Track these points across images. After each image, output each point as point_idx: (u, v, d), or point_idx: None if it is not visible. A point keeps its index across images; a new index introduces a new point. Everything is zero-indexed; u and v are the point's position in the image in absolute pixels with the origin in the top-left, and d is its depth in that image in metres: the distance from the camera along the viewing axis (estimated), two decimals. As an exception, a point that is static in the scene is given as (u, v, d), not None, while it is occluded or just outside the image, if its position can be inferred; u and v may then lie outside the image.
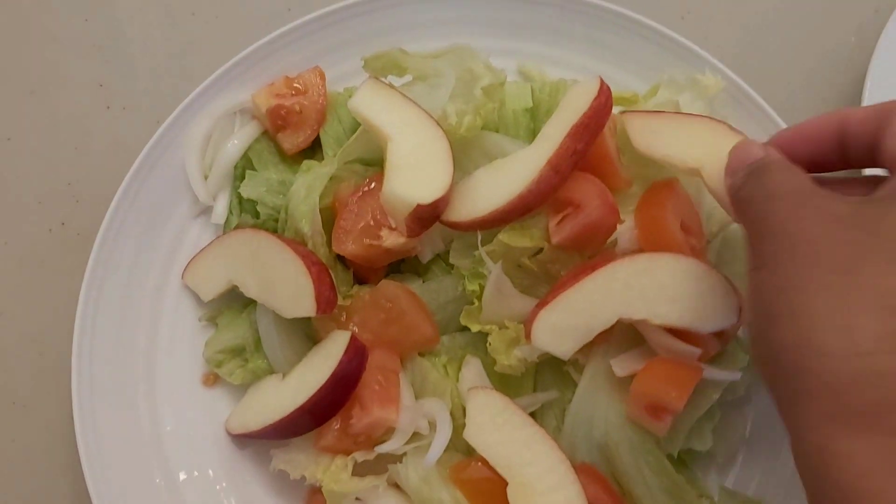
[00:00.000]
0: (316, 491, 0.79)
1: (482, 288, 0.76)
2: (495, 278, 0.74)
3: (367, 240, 0.78)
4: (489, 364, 0.77)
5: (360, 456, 0.75)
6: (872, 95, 0.87)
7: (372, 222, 0.78)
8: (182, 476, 0.81)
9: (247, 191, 0.85)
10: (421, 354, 0.80)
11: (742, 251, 0.82)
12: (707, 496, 0.74)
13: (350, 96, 0.82)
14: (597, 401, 0.75)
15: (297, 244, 0.79)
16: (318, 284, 0.74)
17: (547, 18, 0.92)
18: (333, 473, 0.74)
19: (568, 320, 0.71)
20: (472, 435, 0.73)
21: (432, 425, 0.75)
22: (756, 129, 0.87)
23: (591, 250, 0.77)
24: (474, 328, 0.76)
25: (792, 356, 0.47)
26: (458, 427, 0.75)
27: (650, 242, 0.76)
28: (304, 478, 0.75)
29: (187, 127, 0.87)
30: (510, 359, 0.74)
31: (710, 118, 0.77)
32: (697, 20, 1.03)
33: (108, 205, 0.82)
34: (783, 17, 1.04)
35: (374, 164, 0.84)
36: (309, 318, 0.79)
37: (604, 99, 0.75)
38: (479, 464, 0.73)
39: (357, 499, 0.74)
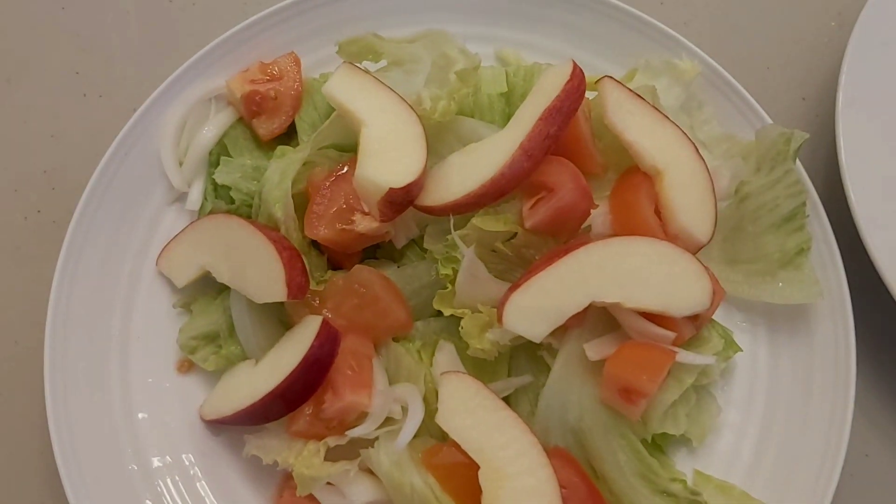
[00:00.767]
0: (289, 476, 0.78)
1: (455, 272, 0.75)
2: (468, 262, 0.74)
3: (340, 224, 0.77)
4: (463, 349, 0.77)
5: (332, 441, 0.74)
6: (849, 80, 0.87)
7: (345, 207, 0.78)
8: (156, 462, 0.80)
9: (221, 177, 0.84)
10: (395, 340, 0.80)
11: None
12: (680, 479, 0.74)
13: (326, 82, 0.81)
14: (570, 385, 0.75)
15: (270, 229, 0.78)
16: (290, 269, 0.74)
17: (524, 4, 0.91)
18: (305, 458, 0.74)
19: (540, 303, 0.71)
20: (444, 419, 0.73)
21: (405, 410, 0.75)
22: (733, 112, 0.87)
23: (565, 235, 0.77)
24: (447, 312, 0.76)
25: None
26: (432, 412, 0.75)
27: (624, 227, 0.76)
28: (276, 463, 0.75)
29: (162, 114, 0.87)
30: (483, 342, 0.74)
31: (683, 132, 0.78)
32: (676, 5, 1.03)
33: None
34: (763, 2, 1.03)
35: (349, 149, 0.84)
36: (282, 304, 0.78)
37: (576, 82, 0.75)
38: (452, 448, 0.73)
39: (328, 483, 0.74)
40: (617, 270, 0.72)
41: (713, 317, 0.78)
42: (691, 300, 0.72)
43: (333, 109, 0.83)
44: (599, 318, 0.76)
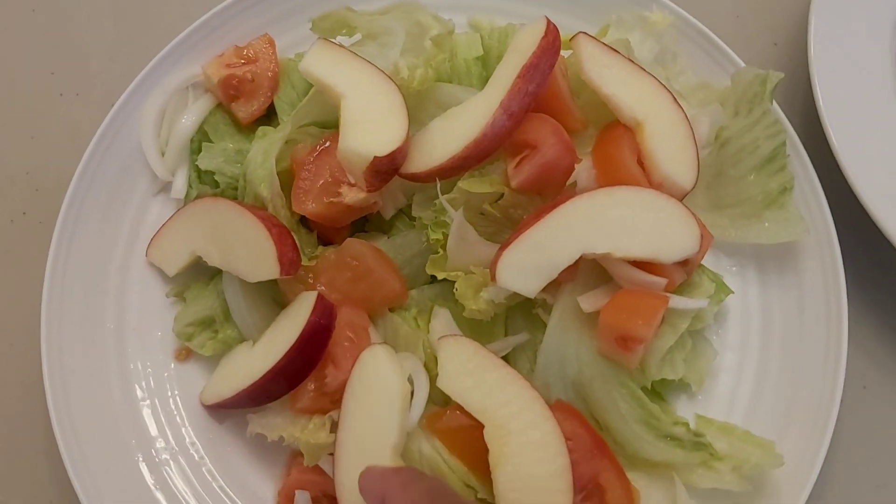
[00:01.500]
0: (296, 454, 0.78)
1: (446, 237, 0.75)
2: (458, 225, 0.74)
3: (328, 198, 0.77)
4: (458, 313, 0.77)
5: (336, 414, 0.75)
6: (819, 24, 0.88)
7: (331, 180, 0.78)
8: (162, 453, 0.80)
9: (204, 162, 0.84)
10: (391, 310, 0.80)
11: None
12: (682, 423, 0.75)
13: (302, 60, 0.81)
14: (567, 339, 0.76)
15: (257, 209, 0.78)
16: (280, 246, 0.74)
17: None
18: (311, 431, 0.74)
19: (531, 258, 0.72)
20: (445, 383, 0.73)
21: (410, 381, 0.75)
22: (707, 60, 0.87)
23: (551, 192, 0.78)
24: (440, 276, 0.76)
25: None
26: (433, 377, 0.75)
27: (609, 179, 0.77)
28: (283, 444, 0.75)
29: (141, 106, 0.87)
30: (478, 303, 0.74)
31: (659, 82, 0.78)
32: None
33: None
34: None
35: (330, 126, 0.84)
36: (276, 283, 0.78)
37: (551, 38, 0.75)
38: (455, 411, 0.73)
39: (331, 454, 0.74)
40: (605, 221, 0.72)
41: (703, 263, 0.79)
42: (680, 245, 0.73)
43: (311, 87, 0.83)
44: (591, 272, 0.76)
